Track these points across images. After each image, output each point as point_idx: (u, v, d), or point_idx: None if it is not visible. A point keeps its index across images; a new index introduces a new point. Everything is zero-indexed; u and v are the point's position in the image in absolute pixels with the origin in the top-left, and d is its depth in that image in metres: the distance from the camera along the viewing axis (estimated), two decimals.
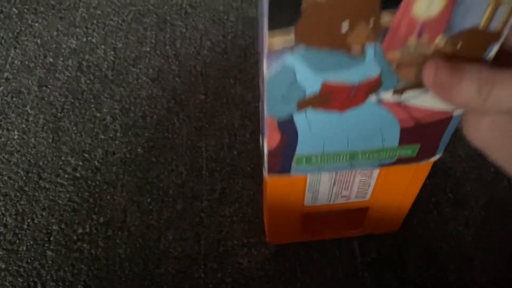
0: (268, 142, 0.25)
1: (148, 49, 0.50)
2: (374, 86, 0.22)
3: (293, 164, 0.27)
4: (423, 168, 0.30)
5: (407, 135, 0.25)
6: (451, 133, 0.26)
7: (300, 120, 0.24)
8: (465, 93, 0.19)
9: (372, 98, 0.23)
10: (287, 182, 0.30)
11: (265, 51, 0.20)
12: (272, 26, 0.19)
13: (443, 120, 0.24)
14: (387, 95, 0.23)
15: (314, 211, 0.33)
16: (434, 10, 0.19)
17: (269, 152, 0.26)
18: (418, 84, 0.22)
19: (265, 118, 0.24)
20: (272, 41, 0.19)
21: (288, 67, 0.21)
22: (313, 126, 0.24)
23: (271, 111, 0.23)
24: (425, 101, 0.23)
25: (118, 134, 0.44)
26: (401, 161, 0.28)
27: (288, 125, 0.24)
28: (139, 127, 0.45)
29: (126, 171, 0.42)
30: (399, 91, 0.22)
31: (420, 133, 0.25)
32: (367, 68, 0.21)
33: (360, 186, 0.31)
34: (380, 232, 0.38)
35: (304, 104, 0.23)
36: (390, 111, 0.24)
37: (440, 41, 0.20)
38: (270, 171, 0.28)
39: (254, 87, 0.48)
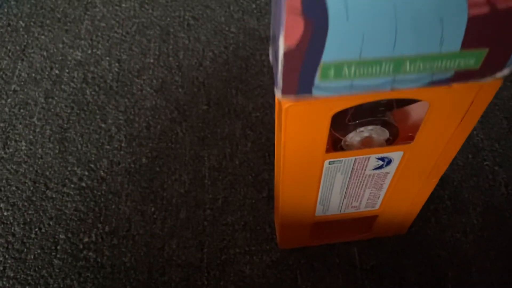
0: (287, 35, 0.18)
1: (151, 60, 0.52)
2: None
3: (317, 79, 0.20)
4: (430, 184, 0.31)
5: (474, 31, 0.19)
6: None
7: None
8: None
9: None
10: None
11: None
12: None
13: None
14: None
15: (324, 220, 0.34)
16: None
17: (287, 55, 0.19)
18: None
19: None
20: None
21: None
22: (351, 5, 0.17)
23: None
24: None
25: (123, 145, 0.46)
26: (459, 76, 0.21)
27: (316, 5, 0.17)
28: (143, 137, 0.46)
29: (130, 180, 0.43)
30: None
31: (493, 29, 0.19)
32: None
33: (370, 198, 0.32)
34: (388, 235, 0.39)
35: None
36: None
37: None
38: (285, 90, 0.21)
39: (256, 98, 0.49)
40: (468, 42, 0.19)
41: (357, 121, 0.26)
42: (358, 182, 0.30)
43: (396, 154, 0.27)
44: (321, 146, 0.25)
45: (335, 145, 0.27)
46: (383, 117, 0.26)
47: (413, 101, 0.26)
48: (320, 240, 0.39)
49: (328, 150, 0.26)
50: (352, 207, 0.33)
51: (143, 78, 0.50)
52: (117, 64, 0.51)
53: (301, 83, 0.20)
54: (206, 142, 0.46)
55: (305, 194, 0.30)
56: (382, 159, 0.28)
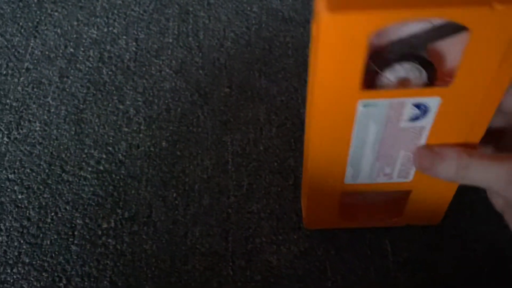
0: None
1: (170, 40, 0.49)
2: None
3: None
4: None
5: None
6: None
7: None
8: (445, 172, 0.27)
9: None
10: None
11: None
12: None
13: None
14: None
15: (353, 190, 0.32)
16: None
17: None
18: None
19: None
20: None
21: None
22: None
23: None
24: None
25: (142, 127, 0.44)
26: None
27: None
28: (163, 120, 0.44)
29: (150, 165, 0.41)
30: None
31: None
32: None
33: (403, 163, 0.30)
34: (421, 223, 0.37)
35: None
36: None
37: None
38: None
39: (280, 81, 0.46)
40: None
41: (395, 55, 0.25)
42: (392, 138, 0.28)
43: (433, 101, 0.26)
44: (356, 75, 0.24)
45: (370, 83, 0.26)
46: (421, 55, 0.25)
47: (452, 32, 0.24)
48: (348, 221, 0.37)
49: (362, 89, 0.25)
50: (384, 175, 0.31)
51: (162, 59, 0.48)
52: (134, 44, 0.49)
53: None
54: (229, 127, 0.44)
55: (336, 148, 0.29)
56: (418, 106, 0.26)
